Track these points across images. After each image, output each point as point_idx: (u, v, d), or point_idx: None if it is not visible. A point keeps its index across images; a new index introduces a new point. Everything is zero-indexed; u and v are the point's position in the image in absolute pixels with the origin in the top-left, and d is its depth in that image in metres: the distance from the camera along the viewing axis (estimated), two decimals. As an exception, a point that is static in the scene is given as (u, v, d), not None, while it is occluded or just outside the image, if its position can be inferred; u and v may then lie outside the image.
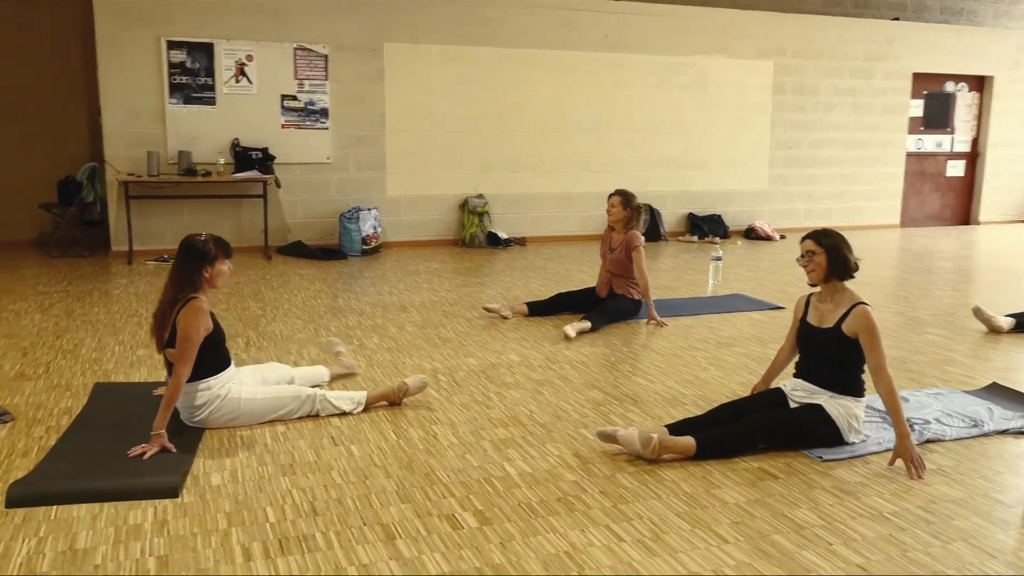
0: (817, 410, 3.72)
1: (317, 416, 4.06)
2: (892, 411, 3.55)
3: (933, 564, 2.80)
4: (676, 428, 3.75)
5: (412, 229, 9.79)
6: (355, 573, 2.69)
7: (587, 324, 5.80)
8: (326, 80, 9.18)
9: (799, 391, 3.86)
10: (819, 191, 11.73)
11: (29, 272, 7.71)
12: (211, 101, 8.81)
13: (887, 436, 3.79)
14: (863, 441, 3.78)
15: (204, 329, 3.71)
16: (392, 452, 3.68)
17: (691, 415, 4.04)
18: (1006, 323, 5.96)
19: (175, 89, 8.68)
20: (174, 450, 3.54)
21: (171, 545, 2.85)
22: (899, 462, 3.54)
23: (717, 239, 10.54)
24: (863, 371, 3.76)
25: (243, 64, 8.86)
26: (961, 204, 12.81)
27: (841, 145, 11.71)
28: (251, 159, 8.77)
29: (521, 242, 10.00)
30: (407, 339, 5.61)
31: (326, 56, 9.14)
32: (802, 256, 3.82)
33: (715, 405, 4.06)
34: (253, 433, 3.86)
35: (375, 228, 9.21)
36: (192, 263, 3.75)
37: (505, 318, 6.13)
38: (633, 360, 5.22)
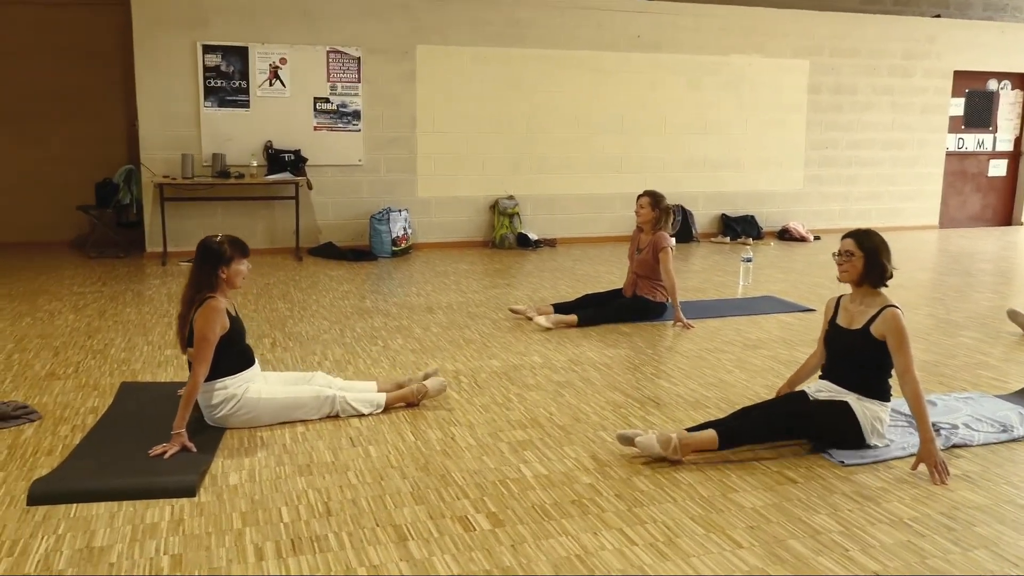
0: (843, 406, 3.67)
1: (337, 417, 4.09)
2: (917, 415, 3.49)
3: (951, 571, 2.73)
4: (695, 432, 3.71)
5: (442, 230, 9.82)
6: (365, 574, 2.70)
7: (573, 318, 5.92)
8: (358, 82, 9.24)
9: (824, 392, 3.80)
10: (856, 192, 11.55)
11: (66, 273, 7.85)
12: (245, 104, 8.91)
13: (912, 440, 3.71)
14: (886, 445, 3.72)
15: (220, 328, 3.75)
16: (409, 453, 3.69)
17: (712, 418, 4.00)
18: (1043, 326, 5.83)
19: (210, 92, 8.79)
20: (194, 449, 3.58)
21: (185, 544, 2.88)
22: (922, 467, 3.48)
23: (750, 240, 10.41)
24: (890, 375, 3.70)
25: (277, 67, 8.95)
26: (1003, 204, 12.53)
27: (879, 145, 11.52)
28: (283, 161, 8.85)
29: (551, 243, 9.98)
30: (431, 340, 5.62)
31: (359, 59, 9.19)
32: (839, 253, 3.76)
33: (737, 408, 4.01)
34: (273, 433, 3.89)
35: (405, 229, 9.25)
36: (208, 264, 3.80)
37: (530, 319, 6.11)
38: (657, 362, 5.18)
